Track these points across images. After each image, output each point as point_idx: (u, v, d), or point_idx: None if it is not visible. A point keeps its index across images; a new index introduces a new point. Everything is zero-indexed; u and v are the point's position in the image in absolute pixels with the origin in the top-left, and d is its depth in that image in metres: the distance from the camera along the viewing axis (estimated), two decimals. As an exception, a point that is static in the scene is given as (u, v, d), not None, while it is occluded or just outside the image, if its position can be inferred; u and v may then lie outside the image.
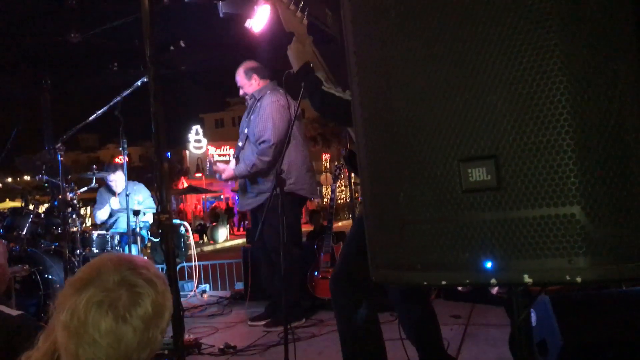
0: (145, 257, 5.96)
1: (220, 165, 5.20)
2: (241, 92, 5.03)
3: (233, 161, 5.11)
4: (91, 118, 5.20)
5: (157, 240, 6.69)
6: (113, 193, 6.66)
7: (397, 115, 1.46)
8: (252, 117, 4.87)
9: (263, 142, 4.67)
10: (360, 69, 1.55)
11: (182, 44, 6.81)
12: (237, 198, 5.34)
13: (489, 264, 1.33)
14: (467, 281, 1.38)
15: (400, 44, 1.44)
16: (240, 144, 4.96)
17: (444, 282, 1.39)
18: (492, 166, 1.32)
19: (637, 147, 1.24)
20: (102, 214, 6.76)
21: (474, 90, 1.35)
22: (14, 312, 2.26)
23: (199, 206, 40.73)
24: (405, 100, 1.43)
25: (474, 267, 1.34)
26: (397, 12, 1.45)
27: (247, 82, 4.95)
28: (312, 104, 2.77)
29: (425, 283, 1.42)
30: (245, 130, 4.91)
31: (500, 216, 1.31)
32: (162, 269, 6.83)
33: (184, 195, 39.51)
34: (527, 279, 1.29)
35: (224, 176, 5.07)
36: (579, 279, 1.24)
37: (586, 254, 1.23)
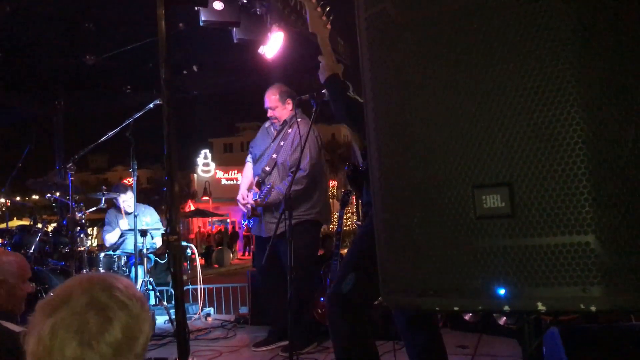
0: (150, 278, 5.96)
1: (249, 199, 5.09)
2: (270, 114, 4.92)
3: (249, 188, 5.07)
4: (103, 139, 5.25)
5: (163, 262, 6.68)
6: (122, 214, 6.68)
7: (412, 140, 1.47)
8: (282, 143, 4.84)
9: (299, 170, 4.61)
10: (376, 94, 1.57)
11: (195, 68, 6.89)
12: (252, 223, 5.22)
13: (502, 291, 1.32)
14: (480, 307, 1.38)
15: (416, 70, 1.47)
16: (267, 168, 4.89)
17: (456, 308, 1.38)
18: (506, 193, 1.33)
19: (653, 178, 1.24)
20: (111, 237, 6.76)
21: (489, 117, 1.36)
22: (17, 328, 2.25)
23: (203, 229, 40.71)
24: (421, 126, 1.45)
25: (487, 293, 1.34)
26: (413, 40, 1.48)
27: (282, 106, 4.86)
28: (337, 111, 2.83)
29: (437, 308, 1.41)
30: (274, 156, 4.87)
31: (514, 243, 1.31)
32: (168, 290, 6.79)
33: (190, 219, 39.57)
34: (540, 306, 1.29)
35: (251, 205, 4.99)
36: (593, 308, 1.24)
37: (601, 283, 1.23)
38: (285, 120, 4.88)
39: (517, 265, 1.31)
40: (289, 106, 4.86)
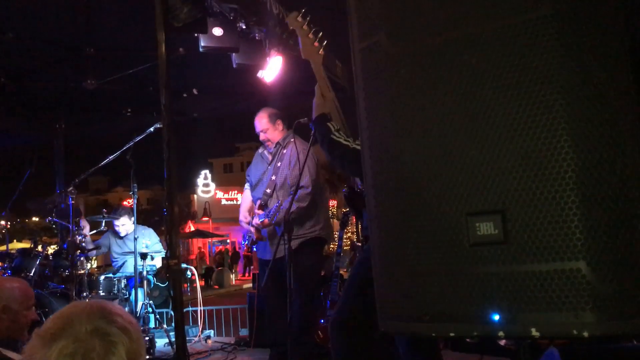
0: (150, 301, 5.95)
1: (255, 221, 5.09)
2: (263, 137, 4.94)
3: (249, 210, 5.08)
4: (103, 162, 5.29)
5: (164, 285, 6.68)
6: (119, 237, 6.71)
7: (406, 168, 1.50)
8: (279, 164, 4.85)
9: (301, 188, 4.61)
10: (371, 122, 1.61)
11: (195, 91, 6.96)
12: (258, 248, 5.20)
13: (496, 317, 1.35)
14: (475, 333, 1.40)
15: (410, 101, 1.50)
16: (268, 190, 4.89)
17: (452, 334, 1.40)
18: (499, 220, 1.36)
19: (641, 205, 1.27)
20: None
21: (482, 146, 1.40)
22: (17, 357, 2.25)
23: (203, 250, 40.59)
24: (414, 155, 1.48)
25: (482, 319, 1.36)
26: (406, 71, 1.52)
27: (273, 127, 4.88)
28: (323, 151, 2.86)
29: (433, 334, 1.44)
30: (273, 177, 4.88)
31: (507, 270, 1.34)
32: (168, 312, 6.77)
33: (190, 240, 39.50)
34: (534, 332, 1.31)
35: (260, 225, 4.98)
36: (585, 334, 1.26)
37: (592, 309, 1.25)
38: (278, 142, 4.91)
39: (511, 291, 1.33)
40: (280, 127, 4.89)
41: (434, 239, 1.44)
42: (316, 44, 2.94)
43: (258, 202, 4.95)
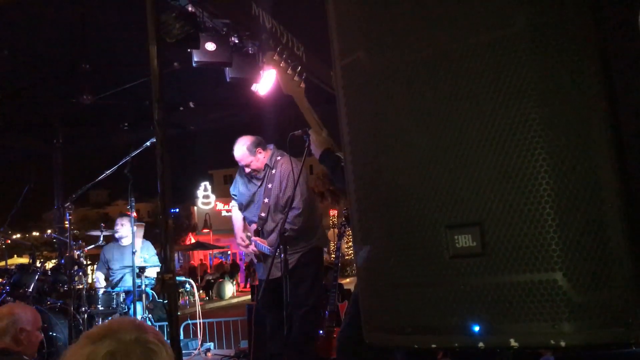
0: (149, 315, 5.96)
1: (259, 242, 5.08)
2: (248, 170, 4.90)
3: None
4: (100, 177, 5.32)
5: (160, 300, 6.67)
6: (118, 249, 6.71)
7: (387, 183, 1.53)
8: (269, 185, 4.84)
9: (292, 209, 4.59)
10: (353, 138, 1.64)
11: (191, 104, 7.01)
12: (257, 267, 5.21)
13: (476, 328, 1.37)
14: (456, 344, 1.42)
15: (389, 116, 1.54)
16: (263, 214, 4.87)
17: (433, 345, 1.43)
18: (477, 233, 1.38)
19: (614, 216, 1.30)
20: (101, 277, 6.77)
21: (459, 160, 1.42)
22: None
23: (204, 262, 40.54)
24: (394, 170, 1.51)
25: (462, 330, 1.38)
26: (385, 87, 1.55)
27: (254, 158, 4.83)
28: (336, 181, 2.88)
29: (415, 346, 1.46)
30: (266, 200, 4.87)
31: (486, 281, 1.36)
32: (167, 326, 6.76)
33: (190, 252, 39.46)
34: (513, 342, 1.33)
35: (267, 246, 4.98)
36: (563, 343, 1.28)
37: (569, 319, 1.28)
38: (266, 164, 4.89)
39: (490, 303, 1.35)
40: (261, 155, 4.82)
41: (415, 252, 1.47)
42: (296, 78, 2.96)
43: (253, 226, 4.93)
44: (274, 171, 4.85)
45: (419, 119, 1.49)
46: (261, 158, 4.86)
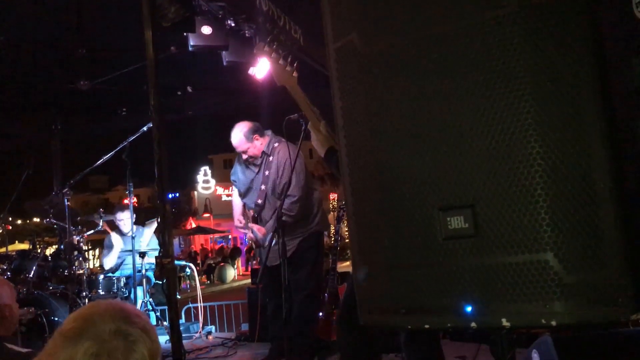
0: (150, 299, 6.00)
1: (255, 230, 5.08)
2: (245, 157, 4.91)
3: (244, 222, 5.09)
4: (98, 163, 5.32)
5: (162, 282, 6.72)
6: (122, 234, 6.74)
7: (381, 166, 1.54)
8: (267, 172, 4.84)
9: (288, 196, 4.59)
10: (346, 121, 1.64)
11: (189, 89, 6.98)
12: (261, 254, 5.23)
13: (469, 308, 1.38)
14: (449, 325, 1.43)
15: (383, 98, 1.54)
16: (260, 201, 4.87)
17: (426, 326, 1.44)
18: (469, 214, 1.39)
19: (605, 197, 1.30)
20: (108, 261, 6.79)
21: (452, 142, 1.43)
22: (24, 350, 2.34)
23: (206, 246, 40.70)
24: (388, 152, 1.52)
25: (455, 311, 1.40)
26: (379, 68, 1.55)
27: (251, 145, 4.82)
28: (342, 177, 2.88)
29: (409, 327, 1.47)
30: (263, 187, 4.87)
31: (478, 262, 1.37)
32: (165, 310, 6.81)
33: (191, 236, 39.60)
34: (505, 322, 1.35)
35: (260, 236, 4.99)
36: (553, 323, 1.30)
37: (560, 299, 1.29)
38: (263, 152, 4.89)
39: (482, 283, 1.37)
40: (258, 141, 4.82)
41: (408, 233, 1.48)
42: (288, 68, 2.94)
43: (251, 212, 4.95)
44: (271, 158, 4.85)
45: (412, 101, 1.50)
46: (258, 145, 4.86)
